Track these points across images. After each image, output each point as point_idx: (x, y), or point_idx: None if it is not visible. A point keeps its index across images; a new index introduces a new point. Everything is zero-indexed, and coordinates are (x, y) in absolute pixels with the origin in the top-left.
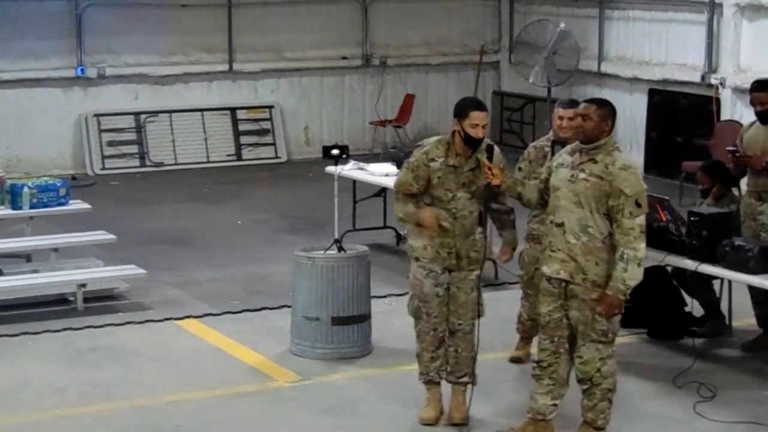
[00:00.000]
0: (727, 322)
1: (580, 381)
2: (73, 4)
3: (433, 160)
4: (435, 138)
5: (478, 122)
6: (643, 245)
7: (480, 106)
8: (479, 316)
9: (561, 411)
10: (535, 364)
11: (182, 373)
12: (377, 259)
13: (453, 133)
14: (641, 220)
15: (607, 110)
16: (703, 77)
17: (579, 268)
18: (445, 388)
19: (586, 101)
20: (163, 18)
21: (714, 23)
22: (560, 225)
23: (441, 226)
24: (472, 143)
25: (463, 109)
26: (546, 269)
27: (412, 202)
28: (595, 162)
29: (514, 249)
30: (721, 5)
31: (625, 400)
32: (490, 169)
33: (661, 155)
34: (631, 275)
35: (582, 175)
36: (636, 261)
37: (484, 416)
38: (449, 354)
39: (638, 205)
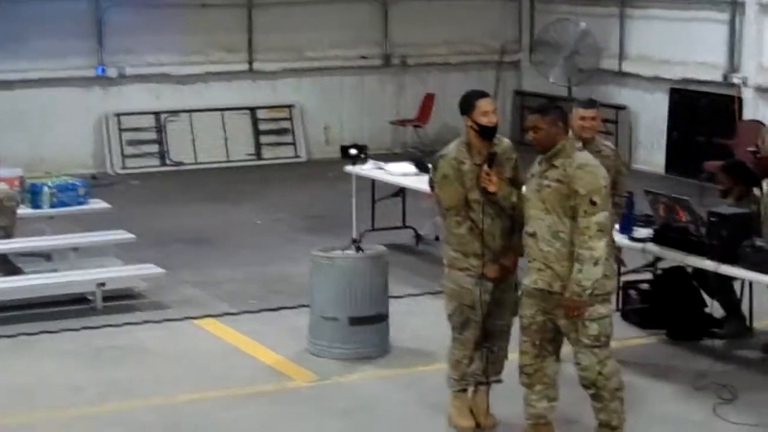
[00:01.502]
0: (747, 323)
1: (584, 387)
2: (94, 5)
3: (462, 162)
4: (452, 144)
5: (487, 109)
6: (600, 243)
7: (483, 94)
8: (515, 314)
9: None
10: (520, 371)
11: (200, 373)
12: (396, 259)
13: (467, 131)
14: (599, 218)
15: (553, 114)
16: (724, 76)
17: (556, 275)
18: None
19: (530, 112)
20: (183, 18)
21: (736, 22)
22: (533, 234)
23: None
24: (487, 133)
25: (468, 101)
26: (525, 280)
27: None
28: (556, 167)
29: (520, 255)
30: (743, 4)
31: (644, 401)
32: (488, 174)
33: (683, 155)
34: (586, 275)
35: (545, 182)
36: (592, 261)
37: (508, 416)
38: (485, 355)
39: (593, 203)
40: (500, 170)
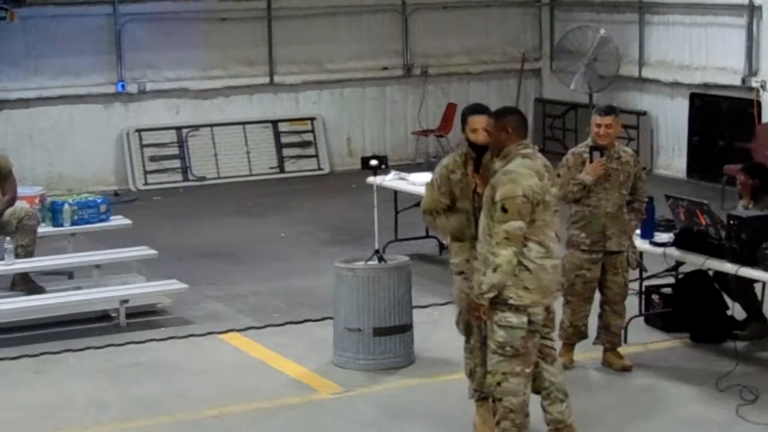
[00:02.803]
0: None
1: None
2: (112, 20)
3: (453, 172)
4: (454, 152)
5: (476, 126)
6: (504, 251)
7: (478, 110)
8: None
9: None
10: None
11: (225, 387)
12: (420, 269)
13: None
14: (508, 227)
15: (502, 119)
16: (743, 80)
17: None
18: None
19: (489, 115)
20: (202, 32)
21: (753, 26)
22: (476, 237)
23: None
24: (475, 149)
25: (463, 116)
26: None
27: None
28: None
29: None
30: (760, 8)
31: (667, 403)
32: (474, 177)
33: (703, 159)
34: (487, 279)
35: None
36: (492, 266)
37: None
38: None
39: (503, 210)
40: (487, 175)
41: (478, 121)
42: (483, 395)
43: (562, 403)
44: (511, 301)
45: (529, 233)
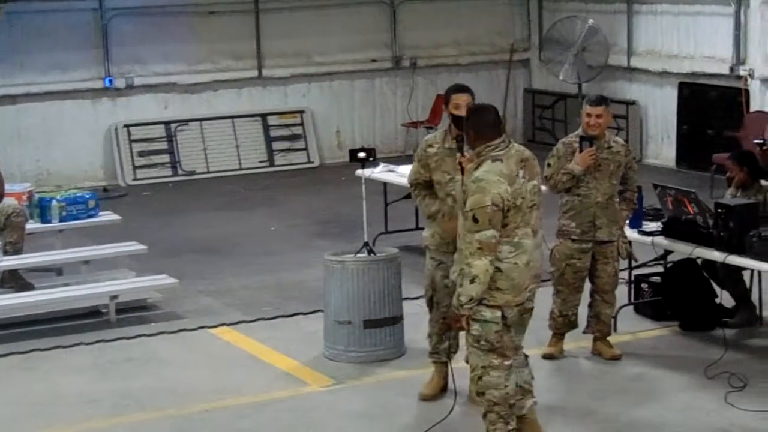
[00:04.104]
0: (757, 312)
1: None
2: (99, 15)
3: (431, 146)
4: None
5: (459, 102)
6: (478, 262)
7: (461, 89)
8: None
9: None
10: None
11: (216, 381)
12: (410, 260)
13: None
14: (480, 236)
15: (473, 117)
16: (731, 69)
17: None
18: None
19: (471, 94)
20: (190, 26)
21: (741, 14)
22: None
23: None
24: (458, 125)
25: (447, 95)
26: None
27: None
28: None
29: None
30: None
31: (656, 391)
32: (460, 161)
33: (693, 148)
34: (463, 291)
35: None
36: (468, 277)
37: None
38: (451, 337)
39: (474, 220)
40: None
41: (461, 98)
42: (437, 359)
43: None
44: (484, 302)
45: (500, 236)
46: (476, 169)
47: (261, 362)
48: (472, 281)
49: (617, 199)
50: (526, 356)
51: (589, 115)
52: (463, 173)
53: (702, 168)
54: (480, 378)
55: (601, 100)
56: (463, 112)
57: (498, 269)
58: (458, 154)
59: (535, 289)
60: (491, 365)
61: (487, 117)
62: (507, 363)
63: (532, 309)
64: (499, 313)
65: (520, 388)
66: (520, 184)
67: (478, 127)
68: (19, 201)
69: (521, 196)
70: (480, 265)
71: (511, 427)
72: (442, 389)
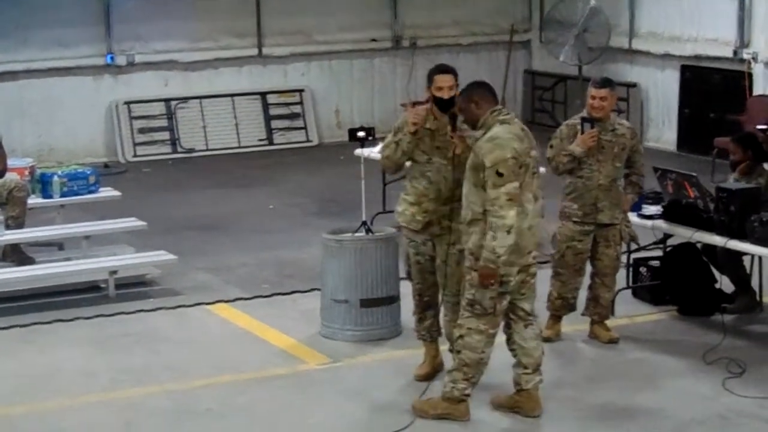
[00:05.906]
0: (757, 297)
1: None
2: None
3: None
4: None
5: (442, 84)
6: (511, 212)
7: (444, 70)
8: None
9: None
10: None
11: (213, 358)
12: None
13: (431, 100)
14: (507, 188)
15: (467, 94)
16: (735, 52)
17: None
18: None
19: (454, 75)
20: (191, 4)
21: None
22: (459, 199)
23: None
24: (441, 105)
25: (430, 75)
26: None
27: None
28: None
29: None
30: None
31: (654, 376)
32: (452, 137)
33: (694, 132)
34: (500, 243)
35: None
36: (504, 228)
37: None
38: (432, 315)
39: (499, 174)
40: (463, 134)
41: (444, 80)
42: (420, 336)
43: (525, 368)
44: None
45: None
46: (485, 134)
47: (258, 339)
48: (509, 231)
49: (621, 183)
50: (541, 332)
51: (593, 97)
52: (454, 153)
53: (703, 152)
54: (462, 337)
55: (606, 83)
56: (445, 95)
57: None
58: (450, 132)
59: (538, 256)
60: (477, 329)
61: (482, 87)
62: (492, 332)
63: (535, 274)
64: (496, 286)
65: (520, 361)
66: (527, 144)
67: (479, 95)
68: (21, 176)
69: (528, 155)
70: (513, 215)
71: (469, 392)
72: (435, 369)
